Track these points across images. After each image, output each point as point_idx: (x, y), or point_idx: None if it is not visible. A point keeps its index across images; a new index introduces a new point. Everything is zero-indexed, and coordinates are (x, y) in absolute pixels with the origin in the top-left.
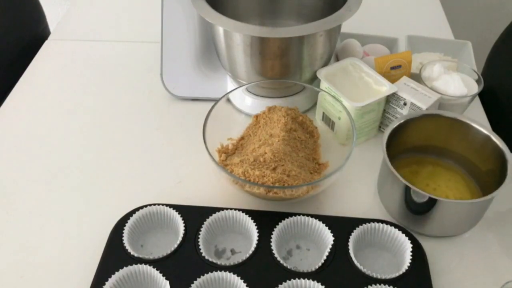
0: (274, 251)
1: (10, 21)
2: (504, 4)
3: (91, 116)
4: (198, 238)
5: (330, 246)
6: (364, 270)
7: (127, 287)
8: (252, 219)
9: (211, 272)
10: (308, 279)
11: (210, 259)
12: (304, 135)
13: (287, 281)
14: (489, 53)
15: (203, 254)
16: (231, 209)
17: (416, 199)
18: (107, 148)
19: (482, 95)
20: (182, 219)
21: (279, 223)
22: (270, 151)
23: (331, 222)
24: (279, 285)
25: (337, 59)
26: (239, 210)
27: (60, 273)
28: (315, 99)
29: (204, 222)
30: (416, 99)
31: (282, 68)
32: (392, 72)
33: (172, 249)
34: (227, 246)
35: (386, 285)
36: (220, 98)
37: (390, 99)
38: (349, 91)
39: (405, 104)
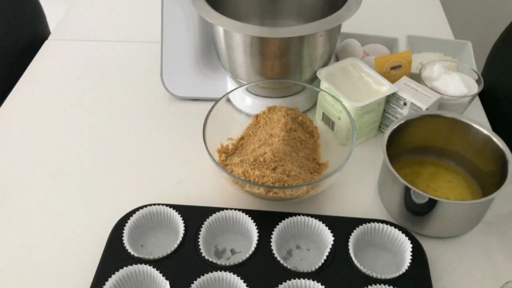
0: (274, 251)
1: (10, 21)
2: (504, 4)
3: (91, 116)
4: (198, 238)
5: (330, 246)
6: (364, 270)
7: (127, 287)
8: (252, 219)
9: (211, 272)
10: (308, 279)
11: (210, 259)
12: (304, 135)
13: (287, 281)
14: (489, 53)
15: (203, 254)
16: (231, 209)
17: (416, 200)
18: (107, 148)
19: (482, 95)
20: (182, 219)
21: (279, 223)
22: (270, 151)
23: (331, 222)
24: (279, 285)
25: (337, 59)
26: (239, 210)
27: (60, 273)
28: (315, 99)
29: (204, 222)
30: (416, 99)
31: (282, 68)
32: (392, 72)
33: (172, 249)
34: (227, 246)
35: (386, 285)
36: (220, 98)
37: (390, 99)
38: (349, 91)
39: (405, 104)
